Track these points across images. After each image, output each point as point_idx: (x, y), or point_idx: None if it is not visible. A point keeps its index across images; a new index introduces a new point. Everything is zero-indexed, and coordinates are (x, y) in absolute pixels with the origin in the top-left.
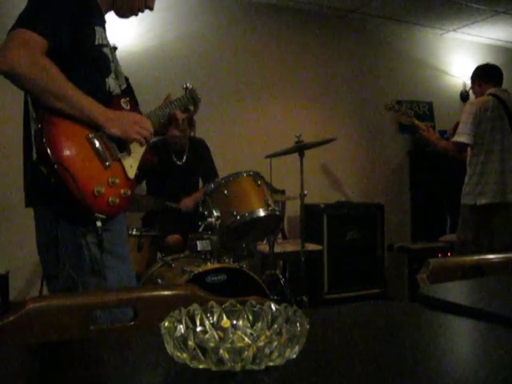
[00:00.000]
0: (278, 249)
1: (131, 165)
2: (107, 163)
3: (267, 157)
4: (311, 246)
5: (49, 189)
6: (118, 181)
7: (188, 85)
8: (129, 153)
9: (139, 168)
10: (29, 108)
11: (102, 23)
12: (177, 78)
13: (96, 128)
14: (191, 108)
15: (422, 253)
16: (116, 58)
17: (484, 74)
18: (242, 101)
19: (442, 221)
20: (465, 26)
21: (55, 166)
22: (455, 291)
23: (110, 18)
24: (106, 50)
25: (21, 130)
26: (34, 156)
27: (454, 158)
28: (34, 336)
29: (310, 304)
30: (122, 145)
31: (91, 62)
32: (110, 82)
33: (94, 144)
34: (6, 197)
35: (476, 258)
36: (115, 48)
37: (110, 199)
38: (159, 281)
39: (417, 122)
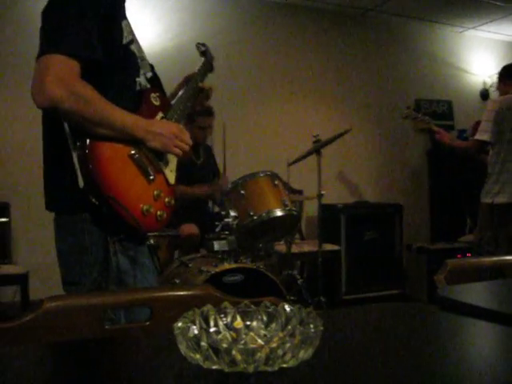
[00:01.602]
0: (295, 249)
1: (171, 170)
2: (151, 177)
3: (290, 164)
4: (329, 247)
5: (97, 212)
6: (162, 192)
7: (202, 46)
8: (167, 159)
9: (177, 169)
10: (63, 125)
11: (125, 13)
12: None
13: (136, 142)
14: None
15: (440, 253)
16: (140, 47)
17: (509, 73)
18: (259, 101)
19: (462, 221)
20: (485, 24)
21: (108, 201)
22: (473, 293)
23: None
24: (133, 47)
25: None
26: (81, 184)
27: (474, 158)
28: (50, 335)
29: (327, 305)
30: (160, 152)
31: (121, 65)
32: (142, 80)
33: (137, 161)
34: (26, 197)
35: (494, 259)
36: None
37: (158, 214)
38: (176, 281)
39: (435, 127)
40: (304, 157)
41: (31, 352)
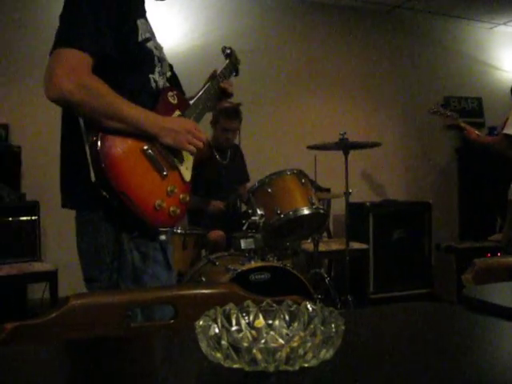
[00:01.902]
0: (323, 247)
1: (186, 167)
2: (164, 173)
3: (309, 147)
4: (357, 245)
5: (109, 206)
6: (176, 188)
7: (228, 50)
8: (183, 156)
9: (193, 167)
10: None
11: (144, 13)
12: None
13: (149, 138)
14: (233, 75)
15: (470, 252)
16: (160, 46)
17: None
18: (285, 98)
19: (492, 219)
20: None
21: (119, 196)
22: (500, 293)
23: (154, 17)
24: (149, 44)
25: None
26: (93, 178)
27: (503, 154)
28: (75, 332)
29: (355, 303)
30: (175, 149)
31: (136, 61)
32: (156, 77)
33: (150, 156)
34: (55, 196)
35: None
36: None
37: (171, 209)
38: (203, 279)
39: (463, 124)
40: (326, 147)
41: (56, 349)
